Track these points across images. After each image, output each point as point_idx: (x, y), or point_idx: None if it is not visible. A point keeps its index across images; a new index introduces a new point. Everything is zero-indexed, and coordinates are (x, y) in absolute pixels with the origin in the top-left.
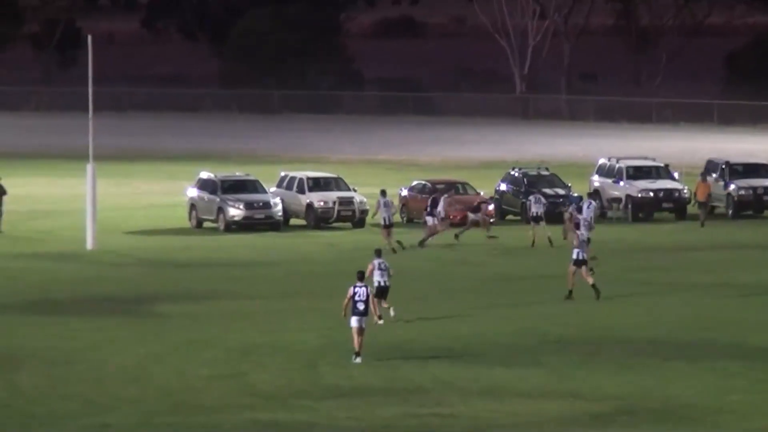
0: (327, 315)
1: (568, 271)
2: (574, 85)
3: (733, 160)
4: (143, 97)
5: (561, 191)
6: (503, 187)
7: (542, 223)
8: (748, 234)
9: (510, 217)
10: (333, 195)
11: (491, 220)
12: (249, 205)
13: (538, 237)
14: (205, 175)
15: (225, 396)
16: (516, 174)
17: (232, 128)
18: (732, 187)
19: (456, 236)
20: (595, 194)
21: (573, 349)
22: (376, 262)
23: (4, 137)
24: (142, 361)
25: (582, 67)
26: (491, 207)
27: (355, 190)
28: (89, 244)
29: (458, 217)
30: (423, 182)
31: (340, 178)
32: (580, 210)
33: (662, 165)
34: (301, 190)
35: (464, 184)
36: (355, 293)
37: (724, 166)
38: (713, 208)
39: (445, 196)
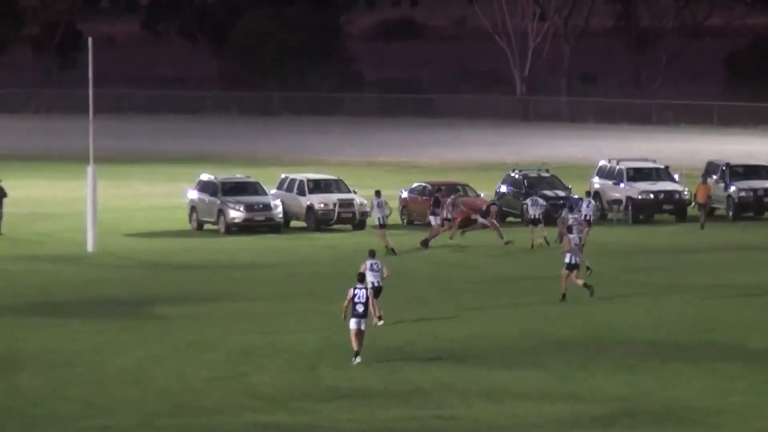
0: (327, 317)
1: (562, 275)
2: (574, 86)
3: (734, 161)
4: (143, 99)
5: (561, 193)
6: (503, 188)
7: (540, 226)
8: (749, 236)
9: (510, 219)
10: (333, 197)
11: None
12: (249, 207)
13: (536, 239)
14: (205, 177)
15: (225, 398)
16: (516, 176)
17: (232, 130)
18: (732, 188)
19: (450, 237)
20: (595, 196)
21: (573, 350)
22: (369, 262)
23: (5, 139)
24: (143, 363)
25: (582, 68)
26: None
27: (355, 192)
28: (90, 247)
29: (458, 219)
30: (423, 184)
31: (341, 180)
32: (571, 209)
33: (662, 167)
34: (301, 192)
35: (464, 186)
36: (354, 295)
37: (724, 168)
38: (713, 209)
39: (452, 197)
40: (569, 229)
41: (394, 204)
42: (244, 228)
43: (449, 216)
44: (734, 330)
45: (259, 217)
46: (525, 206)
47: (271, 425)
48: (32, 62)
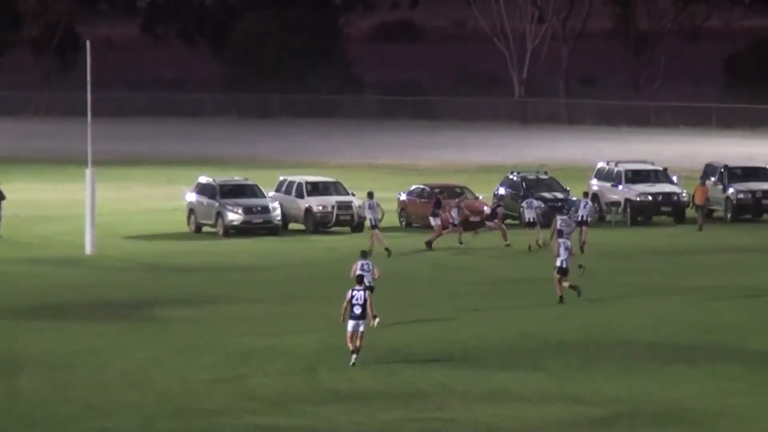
0: (326, 319)
1: (555, 279)
2: (572, 88)
3: (732, 163)
4: (143, 101)
5: (560, 195)
6: (502, 191)
7: (537, 228)
8: (747, 237)
9: (509, 221)
10: (332, 199)
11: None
12: (248, 210)
13: (532, 241)
14: (204, 179)
15: (225, 400)
16: (515, 178)
17: (231, 133)
18: (731, 190)
19: (460, 242)
20: (594, 198)
21: (573, 352)
22: (359, 263)
23: (4, 142)
24: (143, 366)
25: (581, 70)
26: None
27: (353, 195)
28: (88, 249)
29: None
30: (422, 186)
31: (339, 183)
32: (567, 211)
33: (661, 169)
34: (299, 195)
35: (463, 188)
36: (352, 296)
37: (722, 170)
38: (712, 211)
39: (456, 200)
40: (559, 233)
41: (393, 206)
42: (243, 230)
43: (455, 220)
44: (734, 331)
45: (258, 219)
46: (521, 209)
47: (270, 427)
48: (31, 65)
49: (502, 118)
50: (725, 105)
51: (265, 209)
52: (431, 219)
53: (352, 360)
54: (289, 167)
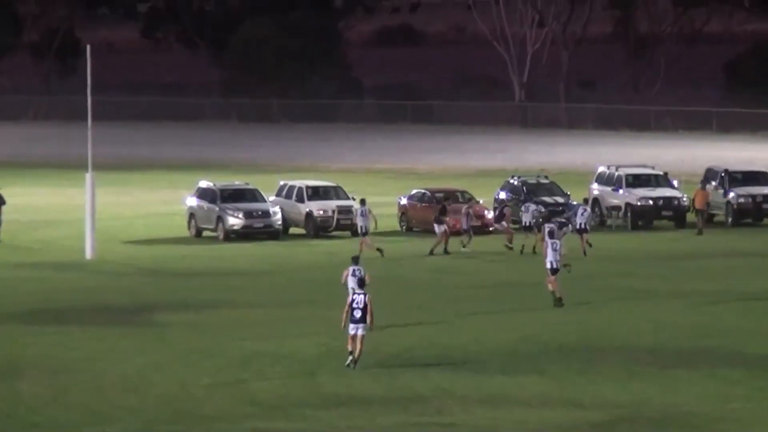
0: (327, 323)
1: (547, 281)
2: (572, 92)
3: (733, 167)
4: (143, 106)
5: (560, 199)
6: (502, 195)
7: (535, 232)
8: (748, 242)
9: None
10: (332, 204)
11: (491, 228)
12: (248, 214)
13: (527, 245)
14: (204, 184)
15: (225, 405)
16: (515, 182)
17: (231, 137)
18: (731, 195)
19: (464, 245)
20: (594, 202)
21: (573, 356)
22: (351, 268)
23: (3, 146)
24: (142, 370)
25: (581, 74)
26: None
27: (353, 199)
28: (89, 254)
29: (457, 225)
30: (422, 191)
31: (339, 187)
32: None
33: (661, 173)
34: (300, 199)
35: (463, 193)
36: (353, 300)
37: (723, 174)
38: (712, 215)
39: (465, 207)
40: (551, 234)
41: (393, 210)
42: (243, 235)
43: (466, 226)
44: (734, 336)
45: (258, 224)
46: (521, 213)
47: None
48: (31, 69)
49: (502, 122)
50: (725, 109)
51: (266, 214)
52: (435, 226)
53: (348, 361)
54: (289, 171)
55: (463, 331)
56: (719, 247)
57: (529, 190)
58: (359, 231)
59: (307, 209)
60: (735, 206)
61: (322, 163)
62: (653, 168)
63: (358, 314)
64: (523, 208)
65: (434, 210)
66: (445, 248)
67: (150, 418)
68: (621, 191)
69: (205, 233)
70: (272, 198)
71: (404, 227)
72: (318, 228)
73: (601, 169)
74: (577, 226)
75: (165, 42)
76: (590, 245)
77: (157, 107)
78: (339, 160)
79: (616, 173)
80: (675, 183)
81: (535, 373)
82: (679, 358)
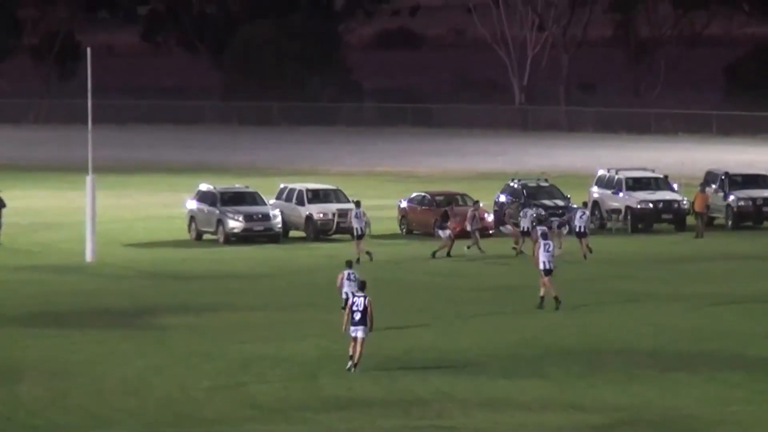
0: (327, 326)
1: (541, 282)
2: (573, 95)
3: (733, 170)
4: (143, 109)
5: (560, 202)
6: (502, 198)
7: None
8: (748, 245)
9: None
10: (332, 207)
11: (491, 232)
12: (248, 217)
13: (524, 250)
14: (204, 187)
15: (225, 408)
16: (515, 185)
17: (231, 140)
18: (731, 198)
19: (467, 247)
20: (594, 205)
21: (574, 360)
22: (346, 272)
23: (4, 149)
24: (143, 373)
25: (581, 77)
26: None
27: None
28: (89, 257)
29: (457, 229)
30: (422, 194)
31: (340, 190)
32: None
33: (661, 176)
34: (300, 202)
35: (463, 196)
36: (353, 303)
37: (723, 177)
38: (712, 218)
39: (471, 210)
40: (544, 236)
41: (393, 213)
42: (243, 238)
43: (471, 228)
44: (734, 339)
45: (258, 227)
46: (520, 217)
47: None
48: (31, 72)
49: (502, 125)
50: (725, 112)
51: (266, 217)
52: (439, 232)
53: (348, 365)
54: (289, 175)
55: (463, 334)
56: (719, 250)
57: (529, 193)
58: (355, 233)
59: (307, 212)
60: (735, 209)
61: (322, 166)
62: (653, 171)
63: (357, 317)
64: (521, 214)
65: (434, 214)
66: (448, 252)
67: (150, 421)
68: (621, 194)
69: (206, 236)
70: (272, 201)
71: (404, 230)
72: (318, 231)
73: (601, 172)
74: (576, 230)
75: (165, 45)
76: (591, 251)
77: (158, 110)
78: (339, 163)
79: (616, 176)
80: (675, 186)
81: (535, 377)
82: (679, 361)
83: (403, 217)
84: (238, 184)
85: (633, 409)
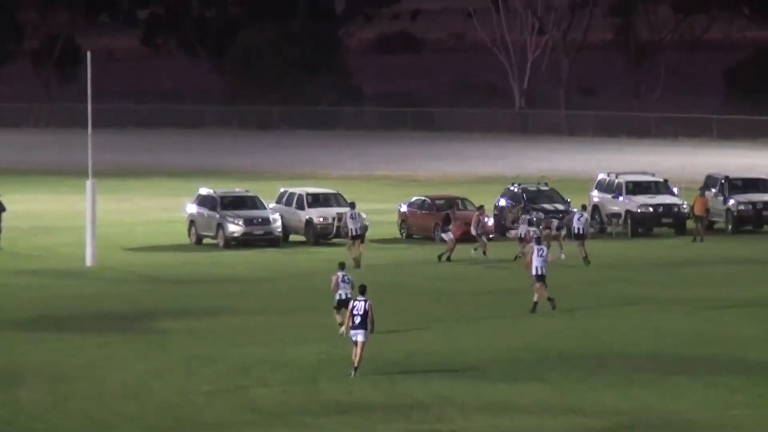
0: (327, 330)
1: (534, 287)
2: (573, 99)
3: (733, 174)
4: (143, 113)
5: (560, 206)
6: (503, 202)
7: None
8: (748, 249)
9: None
10: (332, 211)
11: (491, 236)
12: (248, 222)
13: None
14: (204, 191)
15: (225, 412)
16: (515, 189)
17: (231, 144)
18: (731, 202)
19: (474, 249)
20: (594, 209)
21: (574, 364)
22: (339, 274)
23: (4, 153)
24: (143, 377)
25: (581, 81)
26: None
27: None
28: (89, 261)
29: (458, 233)
30: (422, 198)
31: (340, 194)
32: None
33: (661, 180)
34: (300, 206)
35: (463, 200)
36: (353, 307)
37: (723, 181)
38: (713, 223)
39: (476, 213)
40: (537, 241)
41: (393, 218)
42: (243, 242)
43: (476, 231)
44: (734, 343)
45: (258, 231)
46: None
47: None
48: (32, 76)
49: (502, 129)
50: (726, 116)
51: (266, 221)
52: (443, 235)
53: (350, 372)
54: (290, 179)
55: (463, 337)
56: (719, 254)
57: (529, 197)
58: (350, 234)
59: (307, 216)
60: (735, 213)
61: (322, 170)
62: (653, 175)
63: (357, 320)
64: (520, 220)
65: (434, 218)
66: (448, 256)
67: (150, 425)
68: (621, 198)
69: (206, 240)
70: (272, 205)
71: (404, 234)
72: (318, 235)
73: (601, 176)
74: (574, 231)
75: (165, 49)
76: (588, 262)
77: (158, 114)
78: (339, 167)
79: (616, 180)
80: (675, 190)
81: (535, 380)
82: (679, 365)
83: (403, 221)
84: (238, 188)
85: (633, 413)
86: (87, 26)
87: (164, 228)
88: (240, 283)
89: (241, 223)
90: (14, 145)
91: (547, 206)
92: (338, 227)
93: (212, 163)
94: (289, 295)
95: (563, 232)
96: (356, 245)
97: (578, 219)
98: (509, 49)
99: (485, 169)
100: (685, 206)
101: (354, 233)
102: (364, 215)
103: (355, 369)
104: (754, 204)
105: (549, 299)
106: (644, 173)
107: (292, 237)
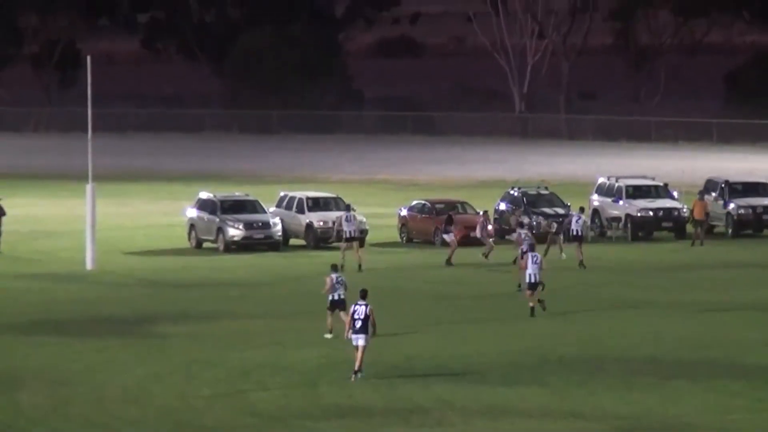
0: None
1: (526, 295)
2: (573, 103)
3: (733, 178)
4: (143, 117)
5: (560, 210)
6: (503, 206)
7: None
8: (748, 253)
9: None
10: (332, 215)
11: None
12: (248, 226)
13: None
14: (204, 195)
15: (226, 416)
16: (515, 193)
17: (232, 148)
18: (731, 206)
19: (485, 256)
20: (594, 213)
21: (574, 368)
22: (333, 276)
23: (4, 157)
24: (143, 382)
25: (581, 85)
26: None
27: (354, 210)
28: (89, 265)
29: (459, 236)
30: (422, 202)
31: (340, 198)
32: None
33: (661, 184)
34: (300, 210)
35: (463, 204)
36: (354, 311)
37: (723, 185)
38: (713, 226)
39: (480, 217)
40: (531, 247)
41: (393, 221)
42: (243, 246)
43: (480, 235)
44: (734, 347)
45: (258, 235)
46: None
47: None
48: (32, 80)
49: (502, 133)
50: (726, 120)
51: (266, 225)
52: (445, 236)
53: (352, 377)
54: (290, 183)
55: (463, 341)
56: (719, 258)
57: (529, 201)
58: (344, 236)
59: (308, 220)
60: (735, 217)
61: (323, 174)
62: (653, 179)
63: (358, 324)
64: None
65: (434, 222)
66: (448, 259)
67: (150, 429)
68: (621, 202)
69: (206, 244)
70: (272, 209)
71: (404, 238)
72: (318, 239)
73: (602, 180)
74: (573, 233)
75: (165, 53)
76: (584, 266)
77: (158, 118)
78: (339, 171)
79: (617, 184)
80: (675, 194)
81: (535, 384)
82: (679, 369)
83: (403, 225)
84: (238, 192)
85: (633, 417)
86: (87, 30)
87: (164, 232)
88: (240, 287)
89: (241, 227)
90: (14, 149)
91: (547, 210)
92: (338, 231)
93: (212, 167)
94: (290, 299)
95: (561, 237)
96: (355, 248)
97: (576, 221)
98: (509, 53)
99: (485, 173)
100: (685, 210)
101: (348, 235)
102: (363, 218)
103: (356, 372)
104: (754, 208)
105: (538, 301)
106: (644, 177)
107: (293, 241)
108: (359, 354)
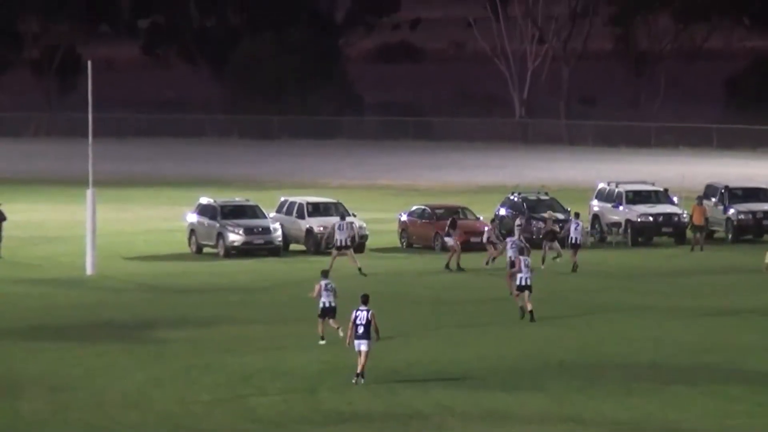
0: (327, 340)
1: (514, 295)
2: (573, 109)
3: (733, 184)
4: (143, 122)
5: (560, 216)
6: (503, 211)
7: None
8: (748, 258)
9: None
10: (333, 220)
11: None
12: (249, 231)
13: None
14: (204, 200)
15: (225, 421)
16: (515, 198)
17: (232, 153)
18: (731, 211)
19: (487, 263)
20: (594, 218)
21: (574, 373)
22: (323, 282)
23: (4, 163)
24: (143, 387)
25: (581, 91)
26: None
27: (354, 215)
28: (89, 270)
29: (460, 241)
30: (422, 207)
31: (340, 203)
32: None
33: (661, 189)
34: (300, 216)
35: (464, 209)
36: (356, 317)
37: (723, 191)
38: (713, 232)
39: (492, 224)
40: (520, 252)
41: (393, 226)
42: (244, 251)
43: (486, 240)
44: (734, 352)
45: (258, 240)
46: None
47: None
48: (32, 85)
49: (502, 138)
50: (726, 126)
51: (266, 230)
52: (447, 239)
53: (354, 380)
54: (290, 188)
55: (463, 347)
56: (719, 264)
57: (529, 207)
58: (335, 244)
59: (308, 226)
60: (735, 223)
61: (323, 180)
62: (653, 184)
63: (360, 330)
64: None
65: (435, 227)
66: (447, 263)
67: None
68: (621, 208)
69: (206, 249)
70: (273, 214)
71: (404, 243)
72: (318, 244)
73: (601, 185)
74: (571, 241)
75: (165, 59)
76: (575, 271)
77: (158, 124)
78: (339, 176)
79: (617, 189)
80: (675, 199)
81: (535, 390)
82: (679, 375)
83: (403, 230)
84: (238, 198)
85: (633, 422)
86: (87, 36)
87: (164, 237)
88: (240, 292)
89: (241, 232)
90: (14, 154)
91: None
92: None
93: (213, 172)
94: (289, 304)
95: (557, 246)
96: (349, 256)
97: (575, 229)
98: (509, 59)
99: (485, 179)
100: (685, 215)
101: (339, 244)
102: (364, 224)
103: (358, 375)
104: (754, 213)
105: (521, 308)
106: (644, 182)
107: (293, 246)
108: (362, 359)
